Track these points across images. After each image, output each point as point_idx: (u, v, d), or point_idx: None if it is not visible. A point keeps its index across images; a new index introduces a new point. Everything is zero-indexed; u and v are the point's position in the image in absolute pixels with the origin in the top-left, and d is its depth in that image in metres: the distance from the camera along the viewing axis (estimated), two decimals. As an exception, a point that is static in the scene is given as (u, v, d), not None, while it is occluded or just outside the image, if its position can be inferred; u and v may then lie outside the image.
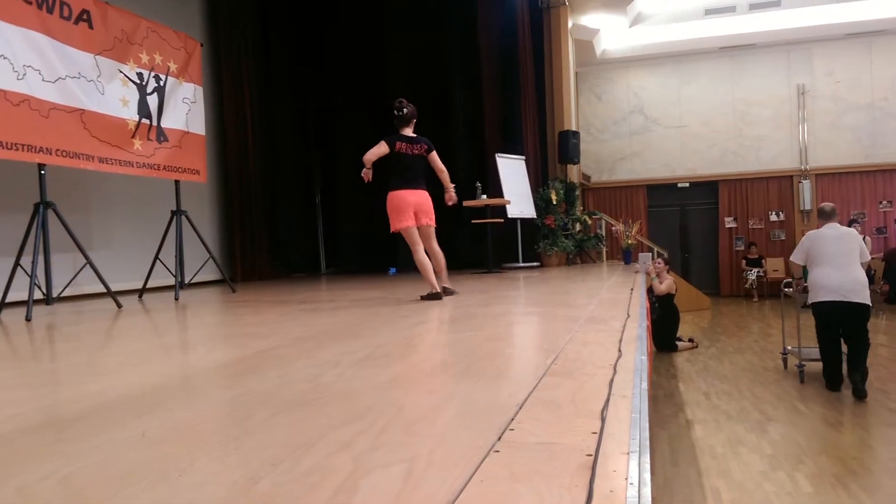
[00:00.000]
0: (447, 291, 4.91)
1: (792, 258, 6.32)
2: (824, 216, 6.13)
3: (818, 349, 6.10)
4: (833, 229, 5.95)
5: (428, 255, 4.86)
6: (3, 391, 2.05)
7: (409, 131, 4.95)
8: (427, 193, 4.93)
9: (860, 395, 5.63)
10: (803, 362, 6.43)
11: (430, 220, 4.92)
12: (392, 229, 4.87)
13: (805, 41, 13.61)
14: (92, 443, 1.39)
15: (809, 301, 6.03)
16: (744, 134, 14.12)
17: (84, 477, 1.16)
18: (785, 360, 7.12)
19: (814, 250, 5.97)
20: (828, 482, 3.88)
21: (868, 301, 5.71)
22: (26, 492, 1.10)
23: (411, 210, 4.81)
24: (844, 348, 5.92)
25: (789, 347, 7.03)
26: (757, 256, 13.91)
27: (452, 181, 5.18)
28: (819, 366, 6.20)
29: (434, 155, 4.94)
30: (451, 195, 5.09)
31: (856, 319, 5.71)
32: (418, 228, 4.84)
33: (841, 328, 5.82)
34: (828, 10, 12.88)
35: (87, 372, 2.39)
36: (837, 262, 5.76)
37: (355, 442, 1.29)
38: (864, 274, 5.84)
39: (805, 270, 6.29)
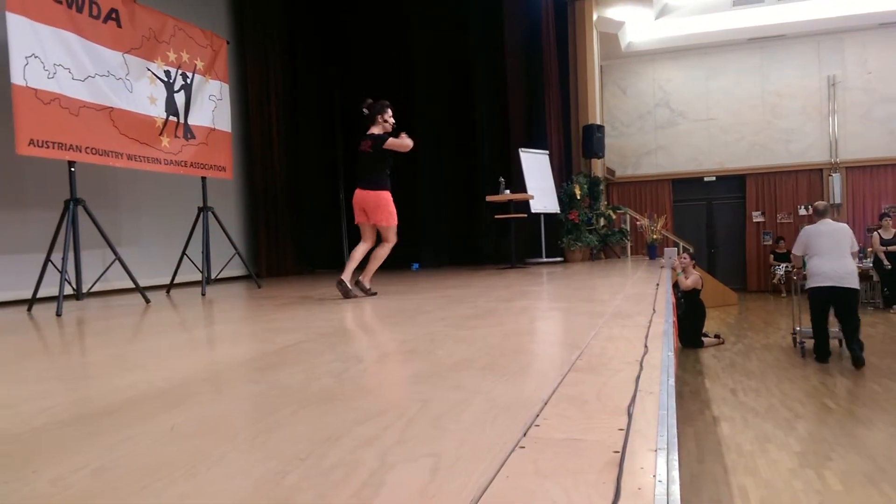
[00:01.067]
0: (360, 286, 4.93)
1: (793, 251, 7.30)
2: (819, 214, 7.10)
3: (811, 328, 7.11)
4: (826, 225, 6.87)
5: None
6: (35, 384, 2.10)
7: (373, 130, 5.01)
8: (371, 192, 4.89)
9: (859, 363, 6.62)
10: (803, 340, 7.53)
11: (372, 219, 4.90)
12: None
13: (836, 31, 13.33)
14: (123, 435, 1.42)
15: (808, 286, 6.96)
16: (772, 126, 13.89)
17: (116, 469, 1.18)
18: (794, 339, 7.90)
19: (811, 243, 6.86)
20: (858, 480, 3.81)
21: (857, 286, 6.74)
22: (60, 483, 1.12)
23: (358, 208, 4.95)
24: (834, 328, 7.00)
25: (798, 328, 7.78)
26: (785, 251, 13.67)
27: (476, 176, 5.18)
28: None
29: (389, 142, 4.90)
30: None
31: (847, 301, 6.68)
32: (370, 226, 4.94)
33: (834, 309, 6.79)
34: (859, -1, 12.61)
35: (117, 366, 2.43)
36: (831, 253, 6.69)
37: (381, 436, 1.30)
38: (854, 263, 6.78)
39: (804, 261, 7.24)
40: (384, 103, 5.11)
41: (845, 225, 6.96)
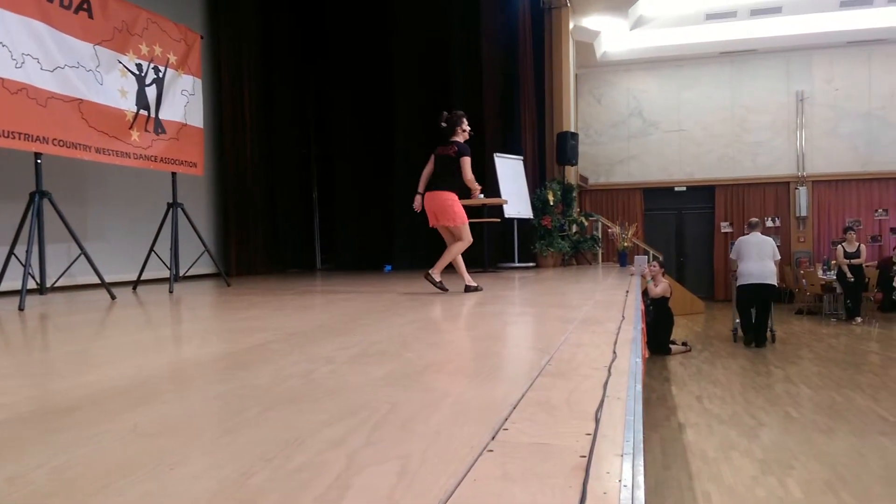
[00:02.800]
0: (429, 278, 5.16)
1: (731, 255, 9.26)
2: (750, 227, 8.96)
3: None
4: (755, 237, 8.75)
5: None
6: (-6, 380, 2.04)
7: (455, 138, 5.38)
8: (439, 193, 5.22)
9: (761, 343, 8.70)
10: (735, 327, 9.52)
11: (440, 221, 5.25)
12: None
13: (805, 48, 13.64)
14: (84, 434, 1.39)
15: (737, 284, 8.89)
16: (742, 139, 14.16)
17: (76, 467, 1.16)
18: (734, 332, 9.56)
19: (741, 250, 8.78)
20: (818, 488, 3.89)
21: (774, 282, 8.65)
22: (17, 481, 1.09)
23: (429, 211, 5.31)
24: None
25: (737, 321, 9.48)
26: None
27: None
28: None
29: (466, 159, 5.23)
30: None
31: (765, 293, 8.59)
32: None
33: (755, 301, 8.67)
34: (828, 17, 12.89)
35: (80, 363, 2.38)
36: (755, 258, 8.57)
37: (348, 438, 1.29)
38: (773, 266, 8.62)
39: (736, 264, 9.01)
40: (460, 114, 5.44)
41: (769, 238, 8.88)
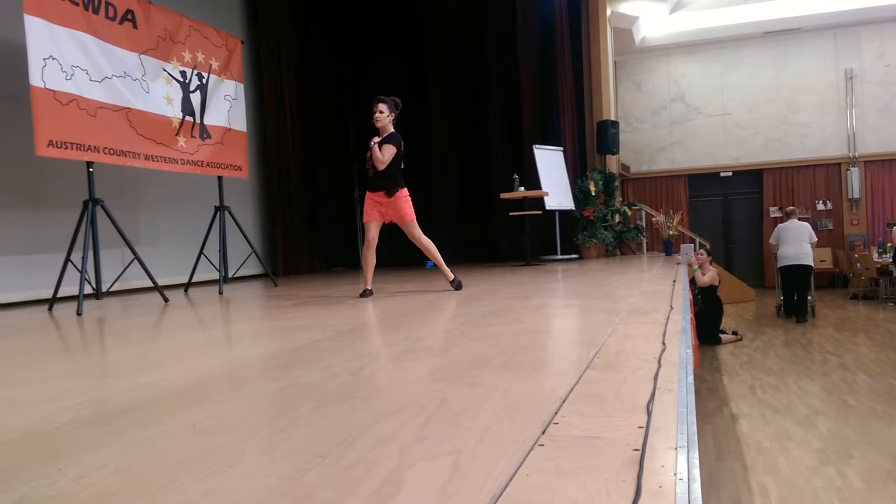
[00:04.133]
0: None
1: (770, 241, 10.23)
2: (787, 215, 10.00)
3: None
4: (792, 223, 9.76)
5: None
6: (56, 383, 2.12)
7: None
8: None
9: (801, 317, 9.51)
10: (779, 304, 10.39)
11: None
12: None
13: (853, 24, 13.16)
14: (144, 434, 1.43)
15: (777, 266, 9.95)
16: (789, 121, 13.74)
17: (139, 466, 1.20)
18: (778, 308, 10.41)
19: (780, 236, 9.82)
20: (879, 478, 3.77)
21: (810, 262, 9.57)
22: (83, 481, 1.14)
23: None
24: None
25: (780, 298, 10.30)
26: None
27: (490, 173, 5.27)
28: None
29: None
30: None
31: (803, 274, 9.60)
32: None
33: (794, 281, 9.66)
34: (877, -10, 12.43)
35: (137, 364, 2.45)
36: (792, 242, 9.59)
37: (399, 434, 1.30)
38: (809, 248, 9.57)
39: (776, 248, 9.96)
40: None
41: (805, 223, 9.86)
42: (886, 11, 12.73)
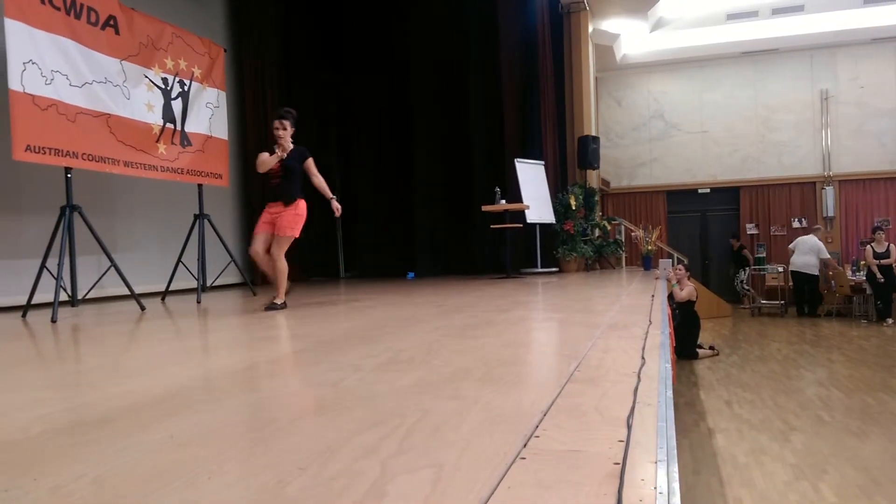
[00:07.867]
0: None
1: (789, 246, 12.30)
2: (810, 231, 12.21)
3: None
4: (809, 237, 11.92)
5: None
6: (31, 392, 2.09)
7: None
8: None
9: (811, 312, 12.07)
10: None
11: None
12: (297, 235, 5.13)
13: (829, 46, 13.45)
14: (121, 444, 1.41)
15: (790, 269, 12.21)
16: (766, 139, 13.98)
17: (116, 477, 1.18)
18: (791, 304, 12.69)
19: (797, 246, 12.02)
20: (852, 493, 3.82)
21: (812, 272, 11.85)
22: (60, 492, 1.12)
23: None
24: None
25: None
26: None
27: (472, 186, 5.29)
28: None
29: None
30: None
31: (806, 280, 11.98)
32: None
33: (800, 283, 12.11)
34: (852, 14, 12.71)
35: (113, 374, 2.42)
36: (802, 253, 11.86)
37: (381, 446, 1.30)
38: (814, 260, 11.74)
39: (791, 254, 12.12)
40: None
41: (819, 241, 11.85)
42: (861, 34, 13.03)
